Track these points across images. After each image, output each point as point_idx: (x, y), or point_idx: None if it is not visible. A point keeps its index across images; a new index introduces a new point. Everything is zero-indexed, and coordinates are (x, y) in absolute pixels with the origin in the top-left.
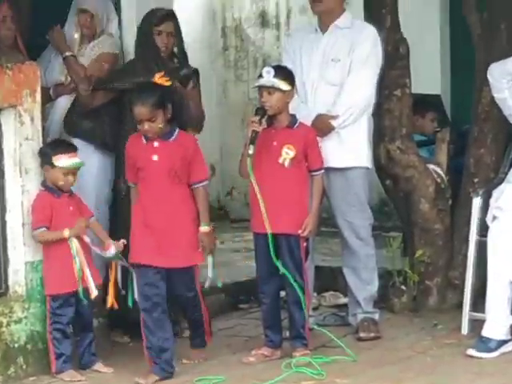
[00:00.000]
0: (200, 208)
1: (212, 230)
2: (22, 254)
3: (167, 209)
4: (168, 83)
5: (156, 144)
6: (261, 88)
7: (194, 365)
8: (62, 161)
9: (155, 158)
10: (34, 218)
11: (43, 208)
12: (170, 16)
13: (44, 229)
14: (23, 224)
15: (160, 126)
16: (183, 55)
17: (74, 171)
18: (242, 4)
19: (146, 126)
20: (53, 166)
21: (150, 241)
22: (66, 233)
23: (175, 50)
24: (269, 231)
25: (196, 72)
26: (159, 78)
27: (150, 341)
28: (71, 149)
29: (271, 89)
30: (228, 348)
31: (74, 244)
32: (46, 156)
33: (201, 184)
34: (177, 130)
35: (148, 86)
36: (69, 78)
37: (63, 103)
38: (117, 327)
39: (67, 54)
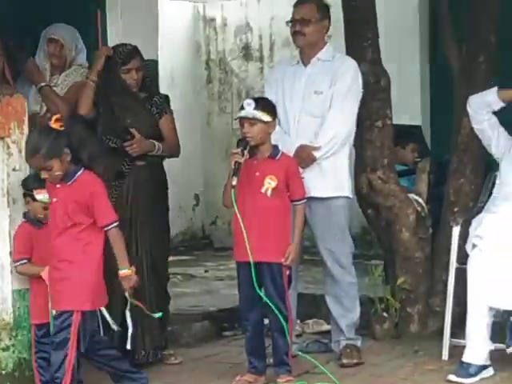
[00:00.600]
0: (114, 251)
1: (132, 272)
2: (9, 283)
3: (57, 252)
4: (62, 128)
5: (58, 186)
6: (242, 119)
7: None
8: (43, 195)
9: (55, 199)
10: (15, 250)
11: (24, 239)
12: (135, 51)
13: (25, 261)
14: (10, 253)
15: (58, 173)
16: (153, 84)
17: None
18: (225, 37)
19: (44, 174)
20: (34, 199)
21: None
22: (43, 273)
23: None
24: (251, 260)
25: (166, 98)
26: (54, 123)
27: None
28: None
29: (252, 120)
30: (213, 374)
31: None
32: (27, 189)
33: (109, 227)
34: (79, 173)
35: (39, 135)
36: (44, 109)
37: None
38: None
39: (42, 84)
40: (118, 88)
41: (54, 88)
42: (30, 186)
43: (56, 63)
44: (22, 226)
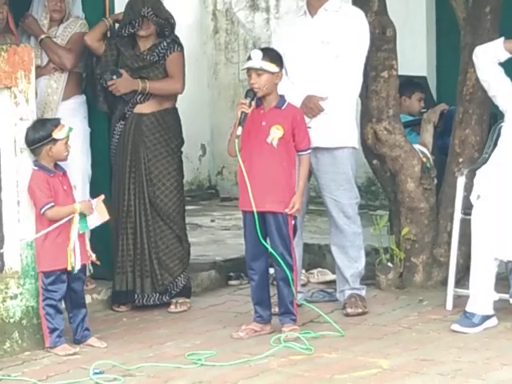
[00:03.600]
0: None
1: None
2: (17, 232)
3: None
4: None
5: None
6: (250, 70)
7: (185, 340)
8: (61, 132)
9: None
10: (37, 197)
11: (43, 185)
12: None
13: (52, 204)
14: (18, 202)
15: None
16: (163, 31)
17: (68, 139)
18: None
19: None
20: (55, 141)
21: None
22: (77, 206)
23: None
24: (254, 210)
25: (175, 40)
26: None
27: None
28: (58, 120)
29: (260, 71)
30: (218, 323)
31: (76, 220)
32: (44, 137)
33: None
34: None
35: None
36: (44, 61)
37: (43, 84)
38: (118, 302)
39: (43, 36)
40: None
41: (54, 39)
42: (46, 131)
43: (57, 17)
44: (36, 173)
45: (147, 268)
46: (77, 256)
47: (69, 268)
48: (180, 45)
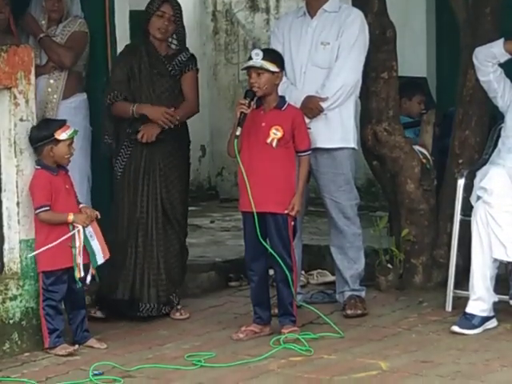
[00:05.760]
0: None
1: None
2: (16, 233)
3: None
4: None
5: None
6: (250, 69)
7: (184, 341)
8: (64, 133)
9: None
10: (36, 197)
11: (44, 186)
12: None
13: (47, 208)
14: (18, 203)
15: None
16: (182, 41)
17: (72, 141)
18: None
19: None
20: (57, 141)
21: None
22: (71, 217)
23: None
24: (254, 211)
25: (192, 56)
26: None
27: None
28: (63, 121)
29: (260, 70)
30: (218, 325)
31: (82, 235)
32: (47, 136)
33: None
34: None
35: None
36: (44, 60)
37: (42, 83)
38: (97, 304)
39: (42, 35)
40: (144, 60)
41: (53, 39)
42: (49, 131)
43: (55, 17)
44: (38, 173)
45: (154, 277)
46: (81, 268)
47: (76, 278)
48: (196, 63)
